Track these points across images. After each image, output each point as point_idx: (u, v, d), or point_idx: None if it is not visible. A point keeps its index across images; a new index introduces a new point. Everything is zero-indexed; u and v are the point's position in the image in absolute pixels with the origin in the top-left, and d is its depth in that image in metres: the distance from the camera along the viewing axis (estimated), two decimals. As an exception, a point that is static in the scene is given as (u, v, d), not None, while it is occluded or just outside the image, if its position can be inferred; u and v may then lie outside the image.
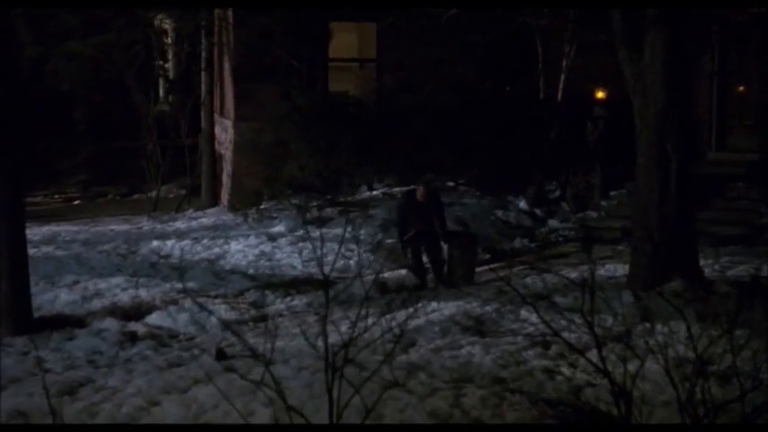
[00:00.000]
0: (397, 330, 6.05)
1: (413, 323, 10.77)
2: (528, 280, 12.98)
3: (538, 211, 17.59)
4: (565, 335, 5.27)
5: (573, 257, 14.25)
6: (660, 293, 10.02)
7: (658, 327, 5.25)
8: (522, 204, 17.77)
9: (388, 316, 9.67)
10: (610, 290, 10.75)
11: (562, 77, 19.09)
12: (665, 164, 11.53)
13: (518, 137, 18.32)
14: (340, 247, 13.60)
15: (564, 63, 19.10)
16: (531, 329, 9.91)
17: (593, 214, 17.44)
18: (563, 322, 7.55)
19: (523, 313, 10.65)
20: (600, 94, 18.48)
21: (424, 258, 13.49)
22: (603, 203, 17.64)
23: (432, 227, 13.35)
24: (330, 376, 3.86)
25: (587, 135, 18.19)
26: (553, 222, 17.22)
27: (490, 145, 18.14)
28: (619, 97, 14.49)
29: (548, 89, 19.51)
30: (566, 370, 8.72)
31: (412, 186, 14.51)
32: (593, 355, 4.90)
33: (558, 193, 18.28)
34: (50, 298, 12.93)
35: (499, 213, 17.29)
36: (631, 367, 4.23)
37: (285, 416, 4.08)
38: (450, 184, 18.71)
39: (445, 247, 13.46)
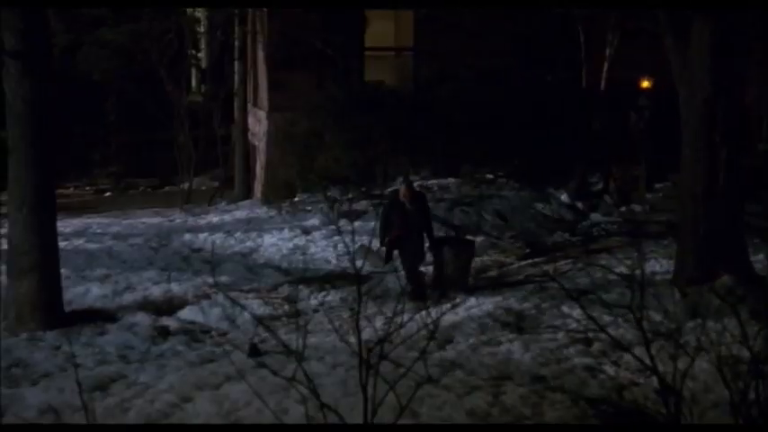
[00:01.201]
0: (431, 326, 6.01)
1: (450, 319, 10.77)
2: (569, 275, 12.90)
3: (580, 205, 17.46)
4: (608, 332, 5.21)
5: (616, 252, 14.12)
6: (709, 289, 9.91)
7: (709, 324, 5.18)
8: (564, 197, 17.65)
9: (423, 312, 9.66)
10: (655, 285, 10.64)
11: (605, 66, 18.92)
12: (712, 155, 11.40)
13: (559, 127, 18.18)
14: (371, 242, 13.39)
15: (607, 51, 18.92)
16: (572, 326, 9.84)
17: (638, 208, 17.29)
18: (606, 319, 7.50)
19: (565, 309, 10.59)
20: (645, 84, 18.29)
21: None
22: (648, 196, 17.48)
23: (417, 231, 12.50)
24: (364, 373, 3.83)
25: (631, 125, 18.02)
26: (595, 216, 17.08)
27: (530, 136, 18.02)
28: (664, 86, 14.33)
29: (590, 78, 19.34)
30: (608, 368, 8.66)
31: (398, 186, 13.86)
32: (638, 352, 4.84)
33: (600, 186, 18.14)
34: (81, 292, 13.03)
35: (539, 206, 17.19)
36: (680, 365, 4.17)
37: (319, 413, 4.06)
38: (489, 176, 18.63)
39: (430, 254, 12.79)
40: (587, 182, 18.18)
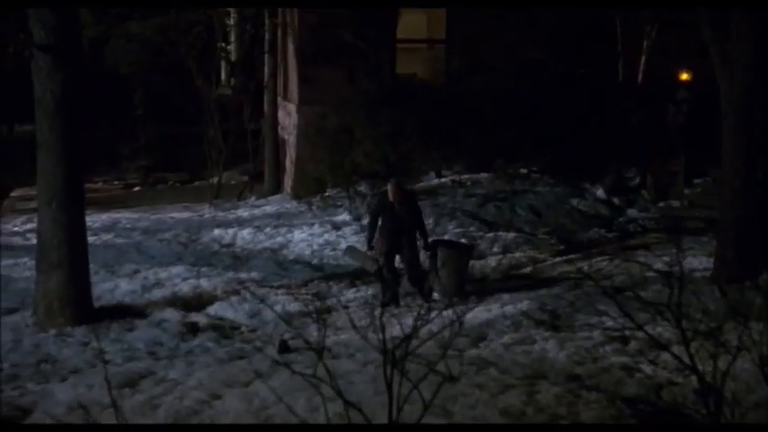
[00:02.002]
0: (458, 323, 5.98)
1: (483, 317, 10.74)
2: (605, 272, 12.83)
3: (616, 200, 17.37)
4: (646, 330, 5.16)
5: (654, 249, 14.04)
6: (750, 287, 9.81)
7: (750, 322, 5.14)
8: (599, 193, 17.56)
9: (456, 309, 9.64)
10: (694, 283, 10.56)
11: (643, 58, 18.79)
12: (753, 149, 11.29)
13: (595, 121, 18.09)
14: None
15: (645, 43, 18.79)
16: (608, 324, 9.78)
17: (676, 203, 17.18)
18: (643, 317, 7.44)
19: (600, 307, 10.52)
20: (684, 76, 18.16)
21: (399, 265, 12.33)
22: (686, 192, 17.35)
23: (408, 234, 12.06)
24: (390, 370, 3.82)
25: (670, 119, 17.89)
26: (632, 212, 16.99)
27: (565, 130, 17.94)
28: (704, 79, 14.22)
29: (627, 71, 19.23)
30: (645, 367, 8.59)
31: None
32: (676, 351, 4.81)
33: (637, 181, 18.03)
34: (110, 287, 13.13)
35: (574, 202, 17.12)
36: (721, 364, 4.14)
37: (350, 411, 4.05)
38: (523, 171, 18.57)
39: (425, 256, 12.34)
40: (624, 177, 18.07)
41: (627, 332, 9.29)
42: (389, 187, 12.28)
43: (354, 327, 8.92)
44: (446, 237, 15.07)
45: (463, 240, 14.84)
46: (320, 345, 4.30)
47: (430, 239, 12.54)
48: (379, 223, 12.16)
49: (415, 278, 12.20)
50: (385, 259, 12.11)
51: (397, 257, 12.27)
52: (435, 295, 12.14)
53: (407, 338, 3.88)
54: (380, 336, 3.91)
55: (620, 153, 18.13)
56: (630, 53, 19.03)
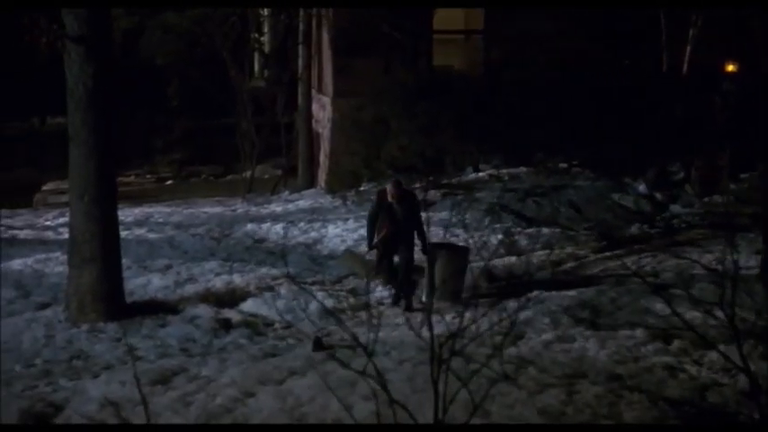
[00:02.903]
0: (506, 322, 5.96)
1: (522, 314, 10.69)
2: (649, 269, 12.73)
3: (659, 195, 17.23)
4: (696, 329, 5.12)
5: (699, 245, 13.90)
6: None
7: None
8: (642, 188, 17.42)
9: (497, 306, 9.60)
10: (740, 281, 10.43)
11: (688, 49, 18.61)
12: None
13: (637, 114, 17.94)
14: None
15: (690, 33, 18.60)
16: (651, 322, 9.71)
17: (721, 199, 17.00)
18: (687, 315, 7.38)
19: (643, 304, 10.45)
20: (730, 67, 17.98)
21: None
22: (733, 187, 17.17)
23: (405, 234, 11.82)
24: (436, 369, 3.81)
25: (715, 112, 17.71)
26: (676, 207, 16.84)
27: (606, 123, 17.81)
28: (751, 70, 14.07)
29: (671, 61, 19.05)
30: (689, 367, 8.52)
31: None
32: (723, 351, 4.76)
33: (681, 176, 17.87)
34: (143, 283, 13.21)
35: (616, 197, 16.99)
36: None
37: (387, 410, 4.05)
38: (563, 165, 18.47)
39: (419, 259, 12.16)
40: (667, 171, 17.92)
41: (670, 331, 9.22)
42: (388, 187, 12.03)
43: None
44: (486, 232, 15.04)
45: (500, 237, 14.80)
46: (364, 342, 4.29)
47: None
48: (378, 224, 11.98)
49: (401, 282, 11.99)
50: (386, 259, 12.07)
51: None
52: (419, 303, 12.02)
53: (453, 336, 3.87)
54: (416, 334, 3.90)
55: (664, 146, 17.98)
56: (675, 43, 18.85)
